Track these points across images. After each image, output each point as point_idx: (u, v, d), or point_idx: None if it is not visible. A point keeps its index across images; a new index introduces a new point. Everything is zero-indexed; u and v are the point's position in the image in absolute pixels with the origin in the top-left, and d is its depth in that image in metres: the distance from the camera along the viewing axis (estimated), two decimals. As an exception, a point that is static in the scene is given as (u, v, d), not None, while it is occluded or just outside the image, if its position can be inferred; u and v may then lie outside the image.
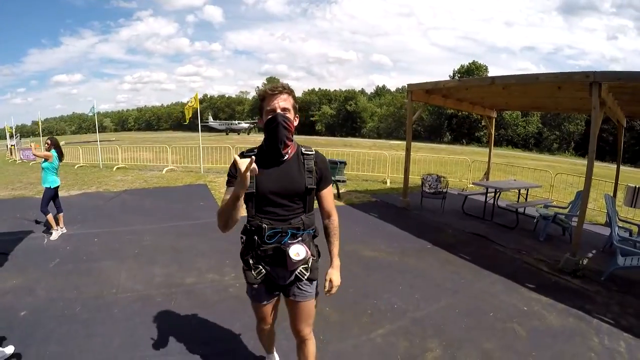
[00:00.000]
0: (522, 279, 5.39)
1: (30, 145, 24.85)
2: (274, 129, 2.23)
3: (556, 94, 7.59)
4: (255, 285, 2.49)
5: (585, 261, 5.90)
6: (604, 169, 26.85)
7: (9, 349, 3.63)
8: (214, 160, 17.58)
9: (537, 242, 7.25)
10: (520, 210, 8.39)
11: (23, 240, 6.74)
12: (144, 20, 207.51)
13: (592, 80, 5.69)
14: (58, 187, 7.23)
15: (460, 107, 11.42)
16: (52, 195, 7.03)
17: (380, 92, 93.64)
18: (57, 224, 7.11)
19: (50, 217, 6.89)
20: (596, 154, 6.06)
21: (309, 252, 2.42)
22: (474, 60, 65.61)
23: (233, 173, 2.26)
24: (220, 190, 11.52)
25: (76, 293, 4.73)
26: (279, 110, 2.24)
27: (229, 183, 2.32)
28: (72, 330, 3.90)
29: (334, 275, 2.55)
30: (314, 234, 2.54)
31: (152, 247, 6.47)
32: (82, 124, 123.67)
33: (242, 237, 2.48)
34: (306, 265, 2.45)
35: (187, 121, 18.00)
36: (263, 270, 2.42)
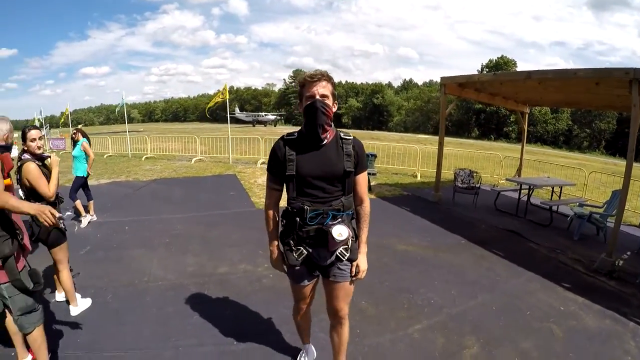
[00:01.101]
0: (558, 278, 5.23)
1: (60, 135, 25.67)
2: (313, 114, 2.27)
3: (593, 90, 7.28)
4: (298, 267, 2.54)
5: (620, 262, 5.67)
6: (636, 169, 26.07)
7: (88, 302, 4.09)
8: (242, 152, 17.63)
9: (571, 241, 7.02)
10: (554, 208, 8.15)
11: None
12: (170, 13, 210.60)
13: (632, 77, 5.45)
14: (88, 175, 7.34)
15: (493, 102, 11.17)
16: (82, 183, 7.16)
17: (407, 85, 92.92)
18: (88, 211, 7.24)
19: (78, 203, 7.02)
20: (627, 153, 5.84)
21: (351, 233, 2.45)
22: (502, 55, 64.41)
23: (273, 163, 2.44)
24: (249, 181, 11.56)
25: (107, 281, 4.76)
26: (317, 97, 2.27)
27: (270, 171, 2.48)
28: (103, 318, 3.91)
29: (362, 260, 2.61)
30: (352, 215, 2.57)
31: (183, 236, 6.49)
32: (110, 115, 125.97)
33: (282, 220, 2.54)
34: (346, 246, 2.47)
35: (207, 110, 18.18)
36: (304, 251, 2.45)
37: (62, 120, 24.59)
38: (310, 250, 2.45)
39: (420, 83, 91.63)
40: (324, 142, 2.38)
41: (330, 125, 2.39)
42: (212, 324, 3.81)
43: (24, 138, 3.70)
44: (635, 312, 4.44)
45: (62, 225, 3.67)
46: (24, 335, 2.80)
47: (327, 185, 2.38)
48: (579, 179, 12.25)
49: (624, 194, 5.79)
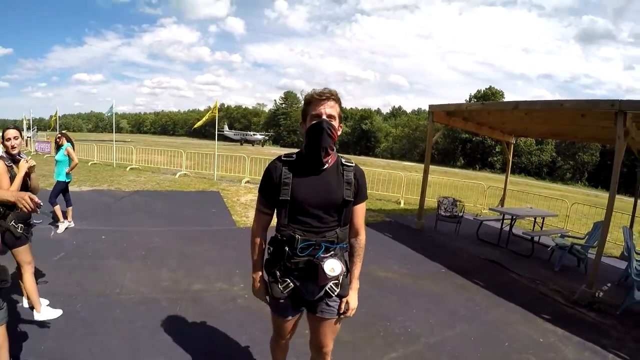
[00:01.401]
0: (538, 309, 5.20)
1: (47, 139, 25.30)
2: (317, 135, 2.10)
3: (578, 121, 7.40)
4: (282, 300, 2.32)
5: (600, 294, 5.69)
6: (618, 201, 26.45)
7: (57, 312, 3.89)
8: (227, 169, 17.46)
9: (552, 272, 7.06)
10: (536, 238, 8.19)
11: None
12: (167, 27, 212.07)
13: (617, 109, 5.55)
14: (70, 181, 7.24)
15: (479, 131, 11.27)
16: (62, 188, 7.02)
17: (396, 112, 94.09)
18: (65, 217, 7.09)
19: (57, 208, 6.85)
20: (609, 185, 5.89)
21: (343, 268, 2.26)
22: (490, 86, 66.07)
23: (266, 184, 2.27)
24: (232, 199, 11.43)
25: (78, 289, 4.64)
26: (324, 117, 2.11)
27: (262, 192, 2.32)
28: (70, 327, 3.79)
29: (352, 297, 2.41)
30: (346, 249, 2.39)
31: (161, 250, 6.35)
32: (99, 123, 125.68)
33: (269, 248, 2.35)
34: (337, 281, 2.29)
35: (195, 127, 18.16)
36: (291, 284, 2.25)
37: (52, 124, 24.27)
38: (298, 283, 2.25)
39: (409, 111, 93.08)
40: (325, 166, 2.21)
41: (333, 149, 2.24)
42: (181, 341, 3.68)
43: (2, 137, 3.62)
44: (614, 343, 4.45)
45: (32, 222, 3.69)
46: None
47: (324, 214, 2.20)
48: (561, 210, 12.41)
49: (606, 225, 5.84)
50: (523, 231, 8.89)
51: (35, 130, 29.52)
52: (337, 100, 2.18)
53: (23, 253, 3.68)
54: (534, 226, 10.06)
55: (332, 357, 3.55)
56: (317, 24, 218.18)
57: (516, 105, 7.30)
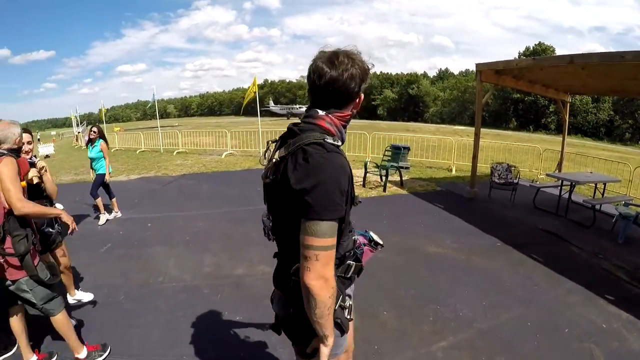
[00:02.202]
0: (601, 289, 4.70)
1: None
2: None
3: (642, 75, 6.69)
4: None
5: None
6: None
7: (89, 296, 4.17)
8: (273, 145, 17.29)
9: (615, 245, 6.42)
10: (597, 207, 7.56)
11: (79, 224, 6.74)
12: (202, 9, 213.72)
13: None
14: (111, 172, 7.34)
15: (532, 90, 10.54)
16: (101, 181, 7.06)
17: (443, 75, 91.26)
18: (109, 210, 7.27)
19: (99, 201, 6.97)
20: None
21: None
22: (540, 42, 62.75)
23: (347, 191, 1.50)
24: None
25: (122, 280, 4.71)
26: None
27: (341, 213, 1.46)
28: (113, 319, 3.85)
29: None
30: None
31: (205, 234, 6.37)
32: (146, 111, 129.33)
33: (349, 264, 1.70)
34: None
35: (243, 109, 18.09)
36: (351, 302, 1.74)
37: (101, 116, 25.39)
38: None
39: (456, 72, 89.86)
40: None
41: None
42: (220, 331, 3.64)
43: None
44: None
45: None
46: (27, 336, 3.02)
47: None
48: (623, 174, 11.41)
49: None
50: (584, 199, 8.15)
51: (85, 125, 30.78)
52: None
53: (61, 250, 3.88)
54: (594, 193, 9.32)
55: (377, 347, 3.39)
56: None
57: (571, 59, 6.65)
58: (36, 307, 2.84)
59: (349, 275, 1.68)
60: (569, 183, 8.06)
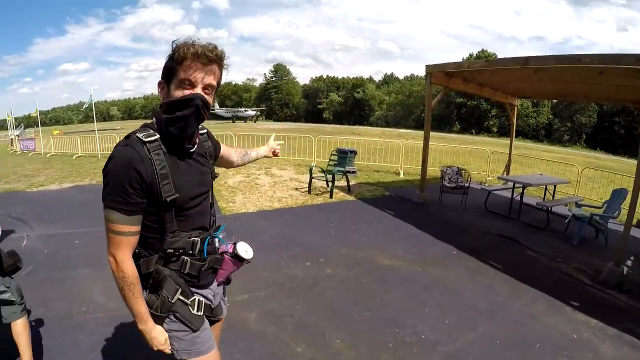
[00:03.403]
0: (564, 295, 4.54)
1: (34, 135, 24.64)
2: (185, 118, 1.57)
3: (594, 79, 6.63)
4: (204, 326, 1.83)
5: (629, 271, 5.05)
6: (617, 163, 25.98)
7: None
8: (217, 150, 16.65)
9: (571, 246, 6.39)
10: (549, 207, 7.52)
11: (2, 241, 6.02)
12: (150, 7, 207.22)
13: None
14: None
15: (480, 93, 10.50)
16: None
17: (389, 79, 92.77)
18: None
19: None
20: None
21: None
22: (483, 49, 64.89)
23: (129, 185, 1.49)
24: (219, 182, 10.69)
25: (42, 311, 4.03)
26: (199, 88, 1.57)
27: (124, 199, 1.51)
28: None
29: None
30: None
31: (135, 250, 5.69)
32: (89, 113, 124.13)
33: (184, 260, 1.71)
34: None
35: None
36: (201, 298, 1.79)
37: (38, 119, 23.96)
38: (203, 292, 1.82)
39: (401, 77, 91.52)
40: (194, 147, 1.74)
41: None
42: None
43: None
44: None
45: None
46: None
47: (204, 202, 1.79)
48: (569, 175, 11.65)
49: (635, 194, 5.12)
50: (537, 202, 8.10)
51: (22, 127, 28.92)
52: (222, 64, 1.66)
53: None
54: (544, 194, 9.36)
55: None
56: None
57: (526, 61, 6.50)
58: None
59: (186, 272, 1.69)
60: (521, 185, 7.99)
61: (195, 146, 1.74)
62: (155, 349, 1.69)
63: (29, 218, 7.23)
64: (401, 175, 12.71)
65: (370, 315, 3.95)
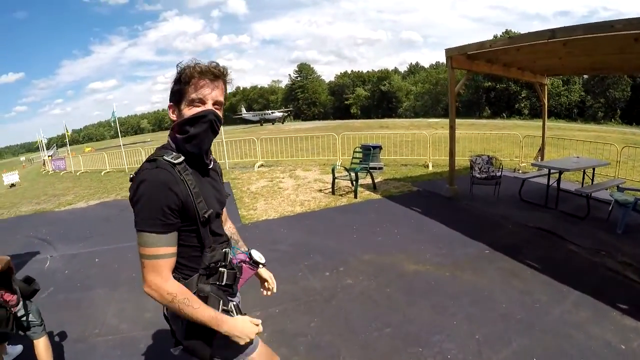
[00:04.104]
0: (611, 297, 3.98)
1: (70, 154, 25.31)
2: (204, 133, 1.65)
3: (629, 48, 5.96)
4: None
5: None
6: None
7: (19, 348, 3.64)
8: (242, 154, 16.52)
9: (615, 236, 5.74)
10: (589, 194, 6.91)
11: (27, 263, 6.22)
12: (170, 20, 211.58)
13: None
14: None
15: (507, 74, 9.88)
16: None
17: (414, 69, 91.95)
18: None
19: None
20: None
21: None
22: (507, 30, 63.19)
23: (169, 207, 1.54)
24: (242, 189, 10.55)
25: (57, 335, 3.96)
26: (210, 105, 1.65)
27: (163, 223, 1.54)
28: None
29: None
30: None
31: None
32: (120, 128, 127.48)
33: (221, 272, 1.75)
34: None
35: None
36: (235, 303, 1.81)
37: (67, 139, 24.64)
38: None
39: (426, 66, 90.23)
40: (211, 164, 1.83)
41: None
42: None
43: None
44: None
45: None
46: None
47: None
48: (607, 155, 10.83)
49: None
50: (576, 188, 7.45)
51: (55, 148, 29.86)
52: (226, 80, 1.73)
53: None
54: (583, 179, 8.68)
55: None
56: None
57: (552, 33, 5.91)
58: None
59: (223, 283, 1.74)
60: (557, 171, 7.40)
61: (212, 163, 1.84)
62: (252, 337, 1.67)
63: (54, 238, 7.35)
64: (430, 168, 12.20)
65: (391, 332, 3.58)
